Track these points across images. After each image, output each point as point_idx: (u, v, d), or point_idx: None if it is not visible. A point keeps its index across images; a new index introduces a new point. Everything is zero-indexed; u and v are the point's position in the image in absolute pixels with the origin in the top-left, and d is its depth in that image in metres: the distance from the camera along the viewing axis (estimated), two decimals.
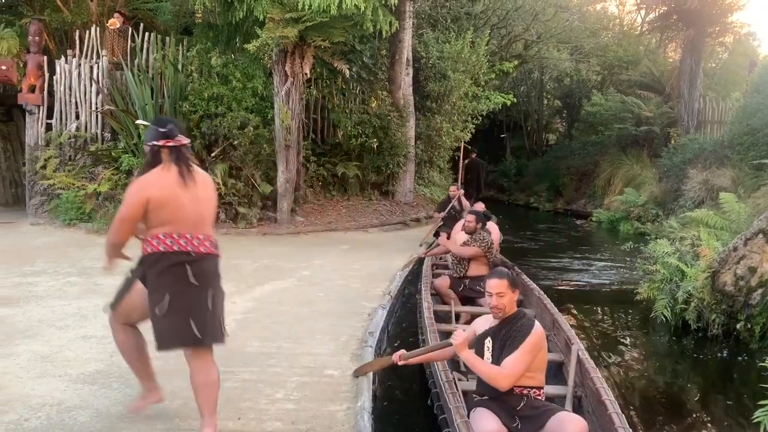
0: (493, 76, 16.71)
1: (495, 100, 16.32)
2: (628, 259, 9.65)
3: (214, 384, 3.24)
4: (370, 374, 4.29)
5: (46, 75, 11.35)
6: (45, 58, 11.42)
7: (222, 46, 11.35)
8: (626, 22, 26.90)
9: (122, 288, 3.50)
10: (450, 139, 14.76)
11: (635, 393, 4.94)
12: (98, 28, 11.76)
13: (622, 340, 6.41)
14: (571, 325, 5.21)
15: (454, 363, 4.95)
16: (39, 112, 11.30)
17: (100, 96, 11.28)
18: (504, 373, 3.25)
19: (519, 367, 3.25)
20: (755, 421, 3.75)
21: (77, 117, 11.35)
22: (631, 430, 3.22)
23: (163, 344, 3.21)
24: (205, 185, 3.34)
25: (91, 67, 11.39)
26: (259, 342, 4.95)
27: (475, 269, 6.31)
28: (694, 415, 4.71)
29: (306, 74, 10.61)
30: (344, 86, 13.81)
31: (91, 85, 11.33)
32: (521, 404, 3.30)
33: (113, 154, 10.81)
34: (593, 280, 9.28)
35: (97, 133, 11.31)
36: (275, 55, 10.40)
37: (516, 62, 19.50)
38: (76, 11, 13.08)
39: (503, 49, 20.69)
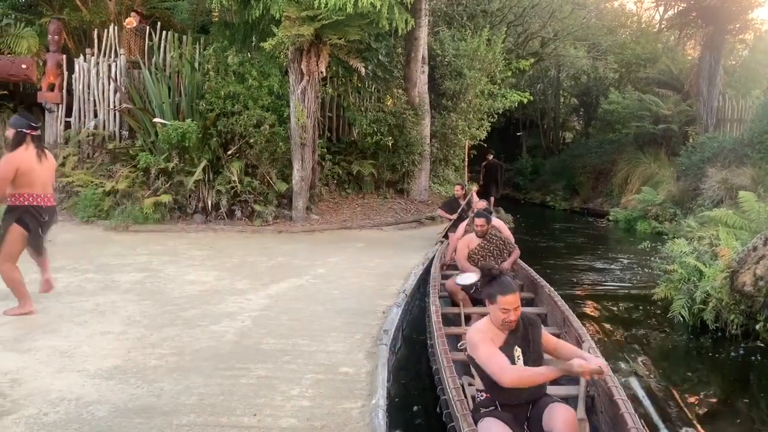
0: (509, 73, 16.61)
1: (511, 98, 16.24)
2: (645, 258, 9.56)
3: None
4: (385, 372, 4.29)
5: (65, 73, 11.48)
6: (64, 56, 11.56)
7: (238, 45, 11.42)
8: (644, 19, 26.65)
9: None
10: (465, 137, 14.72)
11: (650, 392, 4.89)
12: (116, 27, 11.88)
13: (637, 339, 6.35)
14: (585, 324, 5.17)
15: (464, 367, 4.92)
16: (58, 111, 11.44)
17: (118, 94, 11.39)
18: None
19: None
20: None
21: (95, 115, 11.48)
22: (645, 430, 3.19)
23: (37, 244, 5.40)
24: (49, 161, 5.38)
25: (110, 66, 11.51)
26: (275, 339, 4.97)
27: None
28: (711, 416, 4.66)
29: (322, 72, 10.63)
30: (360, 84, 13.82)
31: (109, 84, 11.45)
32: (530, 408, 3.28)
33: (131, 152, 10.91)
34: (609, 279, 9.21)
35: (115, 131, 11.42)
36: (291, 53, 10.43)
37: (532, 60, 19.40)
38: (95, 10, 13.21)
39: (519, 46, 20.58)
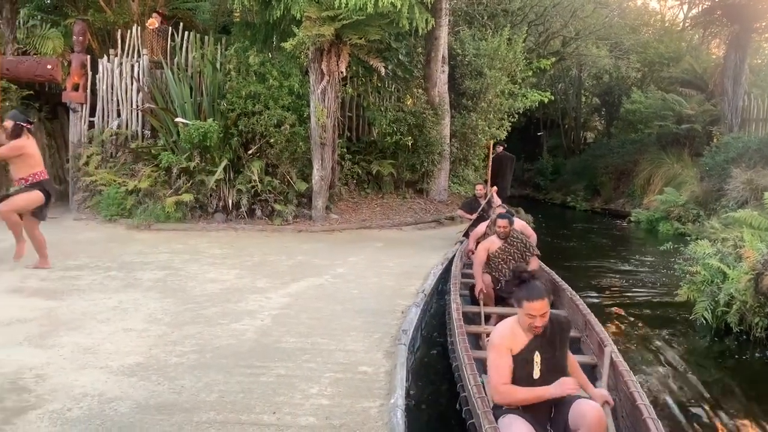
0: (530, 73, 16.50)
1: (532, 97, 16.14)
2: (668, 260, 9.44)
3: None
4: (403, 371, 4.29)
5: (89, 74, 11.64)
6: (88, 57, 11.71)
7: (259, 45, 11.49)
8: (668, 17, 26.33)
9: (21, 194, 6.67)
10: (486, 137, 14.65)
11: (672, 396, 4.83)
12: (139, 28, 12.02)
13: (659, 342, 6.27)
14: (607, 327, 5.12)
15: (484, 365, 4.91)
16: (82, 110, 11.60)
17: (141, 94, 11.52)
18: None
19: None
20: None
21: (119, 115, 11.63)
22: None
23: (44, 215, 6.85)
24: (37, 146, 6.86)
25: (132, 66, 11.65)
26: (294, 338, 5.00)
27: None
28: (735, 419, 4.58)
29: (342, 72, 10.65)
30: (380, 84, 13.83)
31: (132, 84, 11.59)
32: (553, 408, 3.26)
33: (153, 151, 11.03)
34: (631, 281, 9.11)
35: (137, 131, 11.56)
36: (311, 53, 10.47)
37: (553, 59, 19.26)
38: (119, 11, 13.39)
39: (540, 46, 20.45)
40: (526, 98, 15.98)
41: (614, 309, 7.30)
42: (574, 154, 25.60)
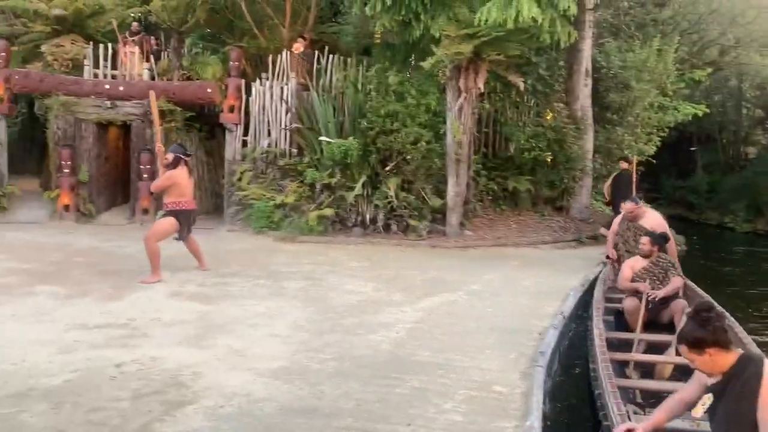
0: (682, 85, 15.46)
1: (684, 110, 15.08)
2: None
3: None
4: (540, 394, 4.17)
5: (243, 96, 12.57)
6: (243, 81, 12.67)
7: (398, 65, 11.80)
8: None
9: (158, 221, 7.59)
10: (632, 152, 13.89)
11: None
12: (288, 53, 12.82)
13: None
14: None
15: (629, 394, 4.63)
16: (237, 130, 12.54)
17: (289, 115, 12.25)
18: None
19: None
20: None
21: (269, 134, 12.42)
22: None
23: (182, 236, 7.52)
24: (192, 177, 7.59)
25: (282, 89, 12.43)
26: (428, 352, 5.03)
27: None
28: None
29: (479, 89, 10.64)
30: (518, 99, 13.61)
31: (281, 105, 12.36)
32: None
33: (298, 168, 11.68)
34: None
35: (285, 149, 12.28)
36: (449, 71, 10.56)
37: (709, 70, 17.88)
38: (270, 38, 14.34)
39: (694, 56, 19.10)
40: (678, 111, 14.97)
41: None
42: (733, 170, 23.52)
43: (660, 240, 6.07)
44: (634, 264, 6.04)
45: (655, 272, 5.90)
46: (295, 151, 12.24)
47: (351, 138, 11.17)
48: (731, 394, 2.72)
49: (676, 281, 5.82)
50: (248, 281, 7.45)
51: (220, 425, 3.60)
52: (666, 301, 5.65)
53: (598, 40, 15.29)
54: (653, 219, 6.84)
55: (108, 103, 12.14)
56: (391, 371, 4.55)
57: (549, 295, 7.31)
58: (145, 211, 12.01)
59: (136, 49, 13.10)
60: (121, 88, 12.31)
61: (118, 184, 13.25)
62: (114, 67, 12.90)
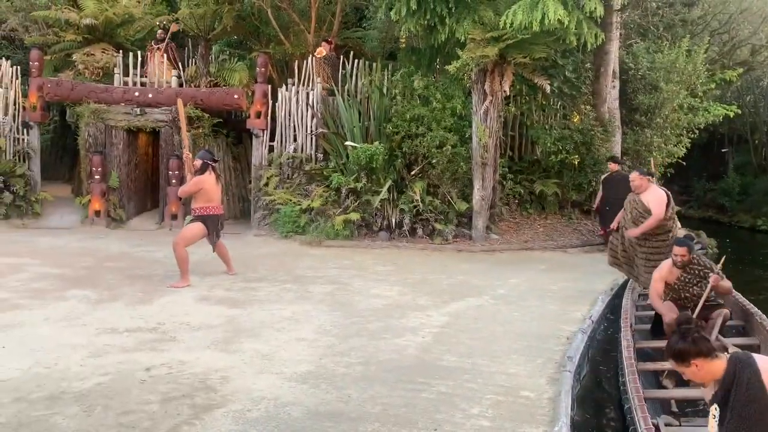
0: (712, 85, 15.15)
1: (715, 111, 14.78)
2: None
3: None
4: (568, 399, 4.12)
5: (270, 102, 12.68)
6: (269, 87, 12.78)
7: (424, 69, 11.80)
8: None
9: (187, 226, 7.92)
10: (661, 154, 13.66)
11: None
12: (314, 58, 12.90)
13: None
14: None
15: (663, 405, 4.54)
16: (263, 136, 12.65)
17: (315, 120, 12.33)
18: None
19: None
20: None
21: (295, 139, 12.51)
22: None
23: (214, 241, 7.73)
24: (220, 183, 7.71)
25: (307, 94, 12.51)
26: (455, 357, 5.01)
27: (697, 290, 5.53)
28: None
29: (505, 92, 10.58)
30: (544, 102, 13.50)
31: (307, 110, 12.44)
32: None
33: (324, 172, 11.74)
34: None
35: (311, 154, 12.35)
36: (474, 74, 10.53)
37: (740, 70, 17.49)
38: (296, 43, 14.46)
39: (725, 56, 18.72)
40: (708, 112, 14.67)
41: None
42: (766, 172, 22.95)
43: (691, 244, 5.76)
44: (668, 276, 5.54)
45: (691, 280, 5.45)
46: (320, 155, 12.30)
47: (376, 142, 11.19)
48: (737, 401, 2.71)
49: (725, 284, 5.40)
50: (275, 285, 7.50)
51: (247, 429, 3.63)
52: (709, 308, 5.45)
53: (626, 41, 15.09)
54: (652, 194, 6.61)
55: (137, 110, 12.35)
56: (417, 376, 4.54)
57: (577, 299, 7.23)
58: (174, 217, 12.18)
59: (164, 57, 13.31)
60: (150, 96, 12.51)
61: (147, 189, 13.48)
62: (143, 74, 13.13)
